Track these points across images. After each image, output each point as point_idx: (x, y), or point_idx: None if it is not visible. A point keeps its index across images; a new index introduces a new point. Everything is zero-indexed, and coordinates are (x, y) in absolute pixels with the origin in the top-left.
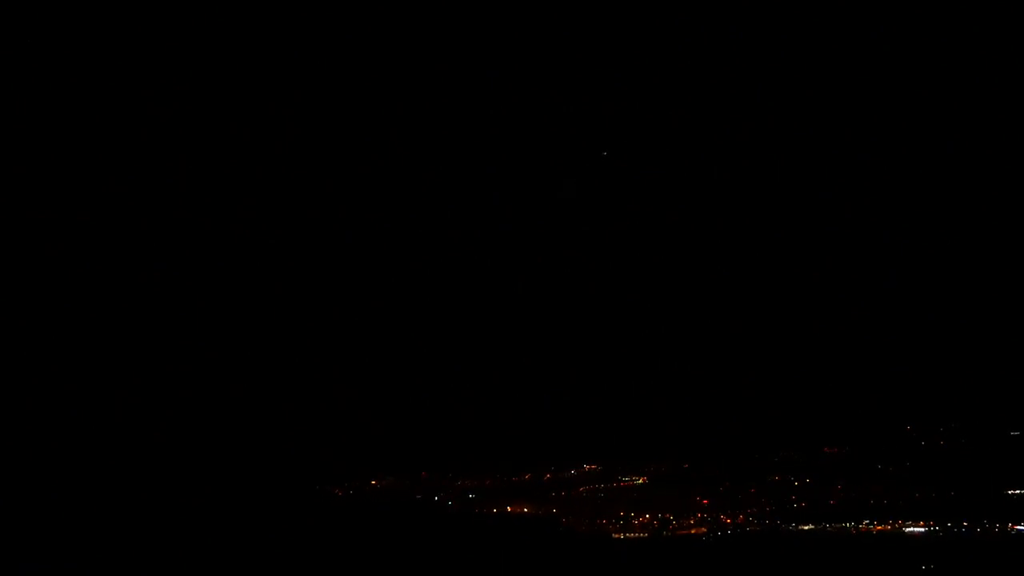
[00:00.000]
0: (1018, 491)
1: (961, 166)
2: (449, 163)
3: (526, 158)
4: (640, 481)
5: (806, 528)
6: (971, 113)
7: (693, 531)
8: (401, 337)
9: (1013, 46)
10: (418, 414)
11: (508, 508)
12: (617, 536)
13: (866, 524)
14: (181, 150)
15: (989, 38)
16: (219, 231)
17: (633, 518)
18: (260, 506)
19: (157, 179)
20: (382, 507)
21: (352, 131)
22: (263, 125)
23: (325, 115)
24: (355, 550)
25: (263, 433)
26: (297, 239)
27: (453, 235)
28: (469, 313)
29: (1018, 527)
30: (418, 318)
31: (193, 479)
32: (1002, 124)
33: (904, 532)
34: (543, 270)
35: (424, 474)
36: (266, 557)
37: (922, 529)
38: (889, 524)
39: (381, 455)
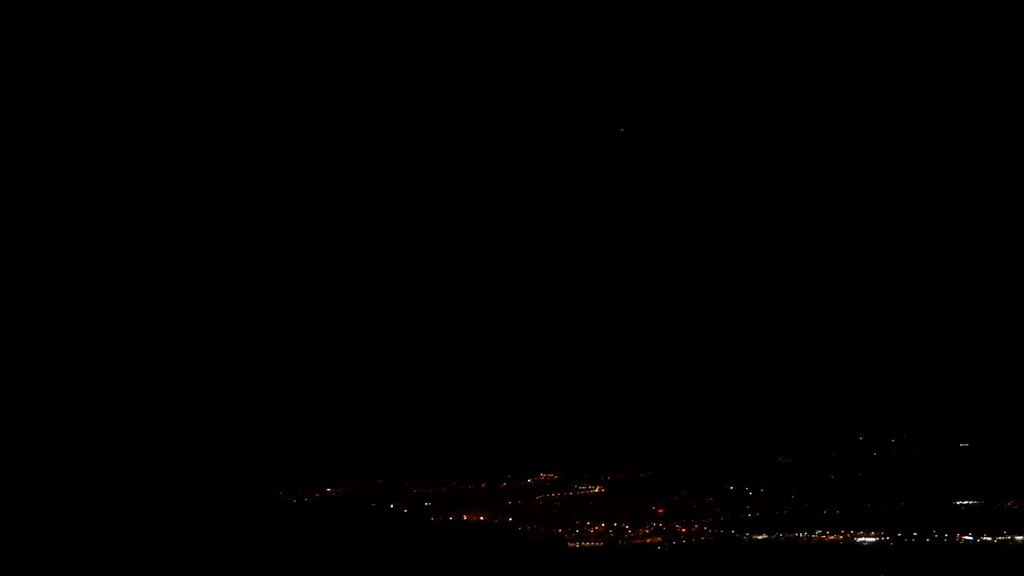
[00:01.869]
0: (966, 502)
1: (934, 172)
2: (445, 163)
3: (525, 158)
4: (597, 490)
5: (759, 537)
6: (968, 114)
7: (648, 540)
8: (360, 345)
9: (1013, 46)
10: (375, 421)
11: (464, 516)
12: (573, 544)
13: (818, 533)
14: (181, 150)
15: (989, 38)
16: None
17: (589, 527)
18: (216, 513)
19: (155, 179)
20: (337, 514)
21: (352, 131)
22: (263, 125)
23: (325, 116)
24: (310, 557)
25: (220, 440)
26: (255, 248)
27: (411, 238)
28: (428, 322)
29: (966, 537)
30: (377, 327)
31: (149, 488)
32: (995, 126)
33: (855, 541)
34: (505, 281)
35: (380, 481)
36: (221, 564)
37: (873, 539)
38: (841, 533)
39: (338, 462)
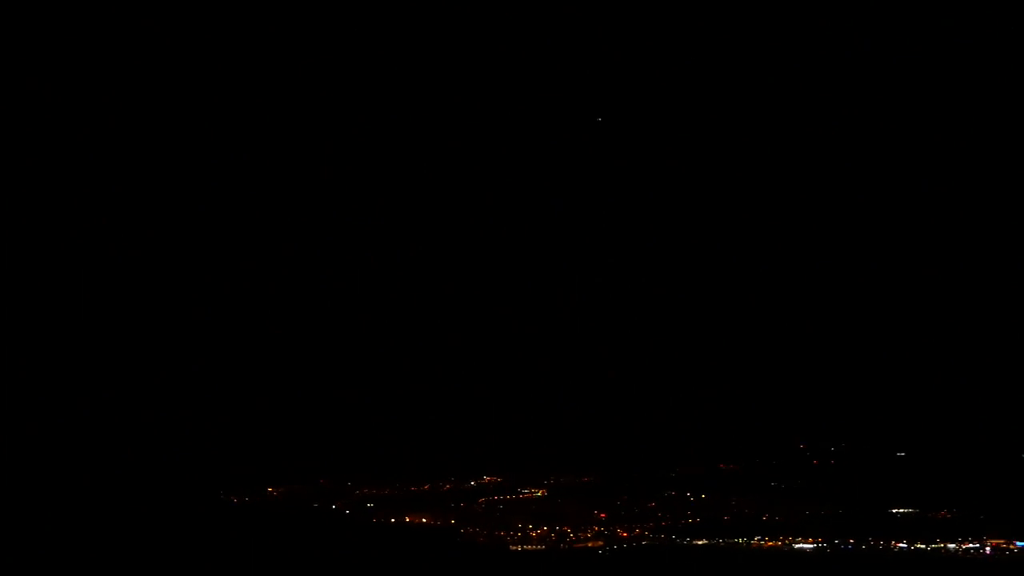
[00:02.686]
0: (903, 510)
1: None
2: (427, 163)
3: (515, 158)
4: (539, 494)
5: (700, 543)
6: (968, 115)
7: (590, 544)
8: (304, 343)
9: (1013, 46)
10: (317, 421)
11: (407, 518)
12: (514, 548)
13: (757, 540)
14: (180, 150)
15: (989, 39)
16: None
17: (531, 530)
18: (155, 513)
19: (150, 179)
20: (279, 515)
21: (351, 132)
22: (263, 126)
23: (324, 116)
24: (250, 559)
25: (162, 439)
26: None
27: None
28: (372, 323)
29: (901, 545)
30: (318, 326)
31: (92, 487)
32: (994, 126)
33: (794, 548)
34: (451, 280)
35: (323, 481)
36: (161, 565)
37: (811, 545)
38: (780, 540)
39: (279, 462)
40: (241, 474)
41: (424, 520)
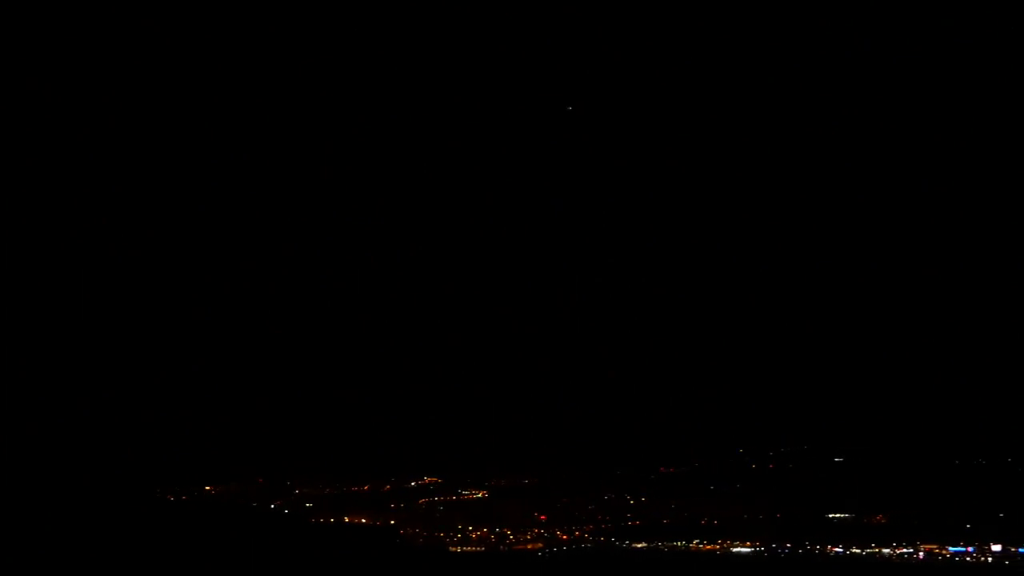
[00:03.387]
0: (838, 515)
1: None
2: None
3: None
4: (480, 495)
5: (639, 546)
6: (967, 115)
7: (529, 546)
8: (245, 343)
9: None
10: (257, 418)
11: (346, 518)
12: (454, 549)
13: (696, 543)
14: (180, 150)
15: (989, 39)
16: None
17: (471, 532)
18: (90, 510)
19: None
20: (216, 513)
21: (351, 132)
22: (263, 126)
23: (324, 116)
24: (185, 557)
25: (97, 436)
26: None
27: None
28: (319, 324)
29: (837, 549)
30: (263, 324)
31: (27, 483)
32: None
33: (731, 552)
34: (395, 284)
35: (261, 480)
36: (95, 563)
37: (748, 549)
38: (718, 544)
39: (218, 460)
40: (179, 472)
41: (363, 520)
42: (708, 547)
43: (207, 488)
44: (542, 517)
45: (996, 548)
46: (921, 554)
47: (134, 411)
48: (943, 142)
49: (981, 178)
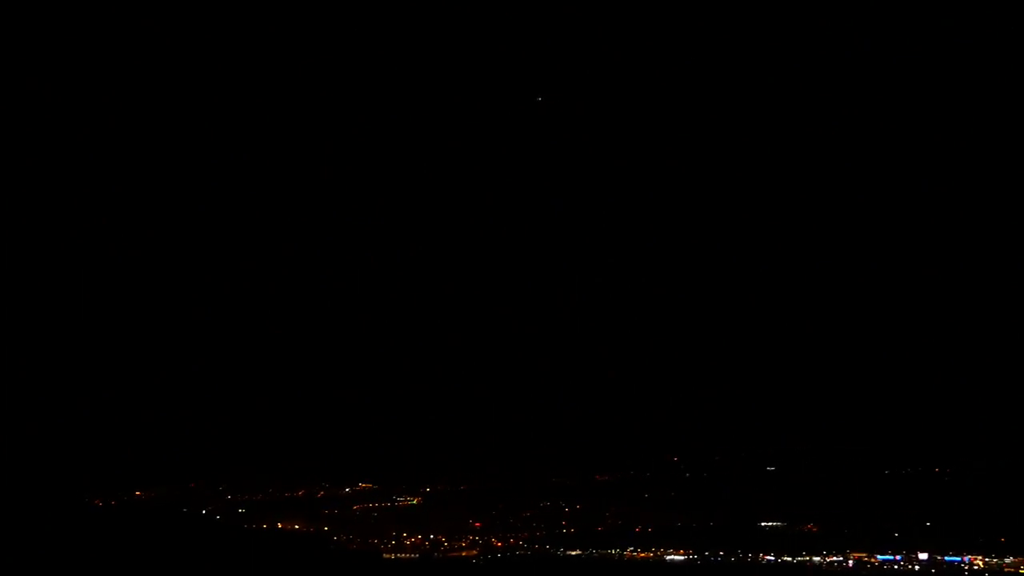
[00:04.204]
0: (771, 523)
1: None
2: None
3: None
4: (415, 501)
5: (573, 553)
6: (966, 116)
7: (464, 553)
8: (178, 345)
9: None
10: (189, 421)
11: (279, 524)
12: (388, 556)
13: (630, 551)
14: (180, 150)
15: (989, 40)
16: None
17: (405, 538)
18: (13, 515)
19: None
20: (145, 519)
21: (351, 132)
22: (263, 126)
23: (324, 116)
24: (112, 564)
25: (24, 440)
26: None
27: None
28: (248, 326)
29: (768, 557)
30: (192, 330)
31: None
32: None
33: (665, 559)
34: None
35: (193, 485)
36: (17, 569)
37: (681, 557)
38: (652, 551)
39: (148, 464)
40: (108, 476)
41: (297, 526)
42: (642, 555)
43: (137, 493)
44: (477, 524)
45: (923, 556)
46: (851, 562)
47: (62, 415)
48: (943, 142)
49: (981, 178)
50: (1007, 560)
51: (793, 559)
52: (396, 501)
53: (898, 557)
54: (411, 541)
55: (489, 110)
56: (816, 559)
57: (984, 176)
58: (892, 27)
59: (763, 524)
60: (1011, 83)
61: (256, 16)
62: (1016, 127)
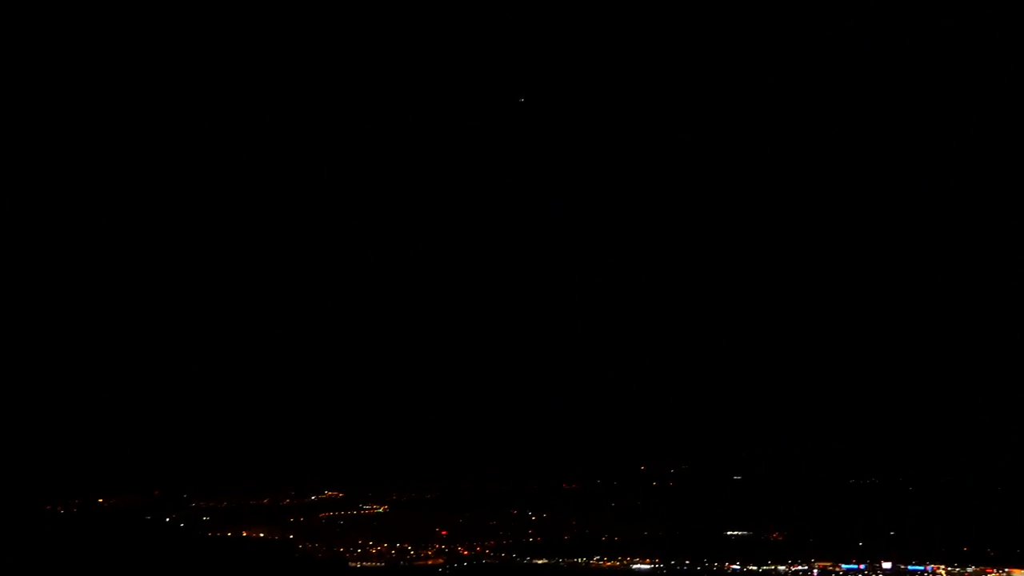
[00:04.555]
0: (736, 532)
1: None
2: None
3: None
4: (381, 510)
5: (540, 562)
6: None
7: (430, 562)
8: (144, 350)
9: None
10: (154, 427)
11: (244, 532)
12: (354, 564)
13: (596, 560)
14: (180, 150)
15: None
16: None
17: (371, 547)
18: None
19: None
20: (108, 526)
21: (351, 132)
22: (263, 126)
23: (324, 116)
24: (71, 573)
25: None
26: None
27: None
28: (212, 331)
29: (734, 566)
30: (159, 334)
31: None
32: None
33: (631, 568)
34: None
35: (157, 493)
36: None
37: (648, 566)
38: (618, 560)
39: (112, 470)
40: (69, 482)
41: (262, 535)
42: (609, 563)
43: (99, 500)
44: (443, 533)
45: (887, 565)
46: (815, 571)
47: (25, 421)
48: (943, 142)
49: (981, 178)
50: (969, 569)
51: (758, 567)
52: (363, 509)
53: (862, 566)
54: (377, 550)
55: (489, 110)
56: (781, 567)
57: (984, 176)
58: (892, 27)
59: (729, 533)
60: (1011, 83)
61: (256, 16)
62: (1016, 127)
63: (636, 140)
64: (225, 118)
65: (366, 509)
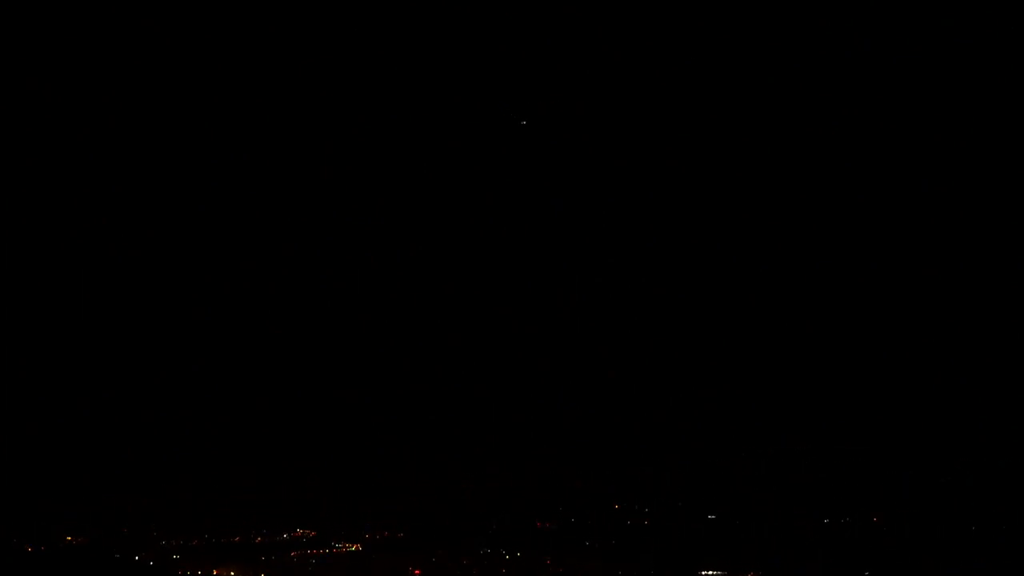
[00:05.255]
0: (712, 572)
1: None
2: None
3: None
4: (354, 548)
5: None
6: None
7: None
8: (106, 373)
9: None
10: (122, 461)
11: (214, 571)
12: None
13: None
14: (180, 150)
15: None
16: None
17: None
18: None
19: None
20: (77, 564)
21: (351, 132)
22: (263, 126)
23: (324, 116)
24: None
25: None
26: None
27: None
28: (183, 356)
29: None
30: (124, 360)
31: None
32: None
33: None
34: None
35: (125, 530)
36: None
37: None
38: None
39: (79, 507)
40: (38, 520)
41: (232, 573)
42: None
43: (68, 538)
44: (416, 572)
45: None
46: None
47: None
48: (943, 142)
49: (981, 178)
50: None
51: None
52: (335, 547)
53: None
54: None
55: (489, 110)
56: None
57: (984, 176)
58: (892, 27)
59: (703, 573)
60: (1011, 83)
61: (256, 16)
62: (1016, 127)
63: (636, 140)
64: (225, 118)
65: (338, 547)
